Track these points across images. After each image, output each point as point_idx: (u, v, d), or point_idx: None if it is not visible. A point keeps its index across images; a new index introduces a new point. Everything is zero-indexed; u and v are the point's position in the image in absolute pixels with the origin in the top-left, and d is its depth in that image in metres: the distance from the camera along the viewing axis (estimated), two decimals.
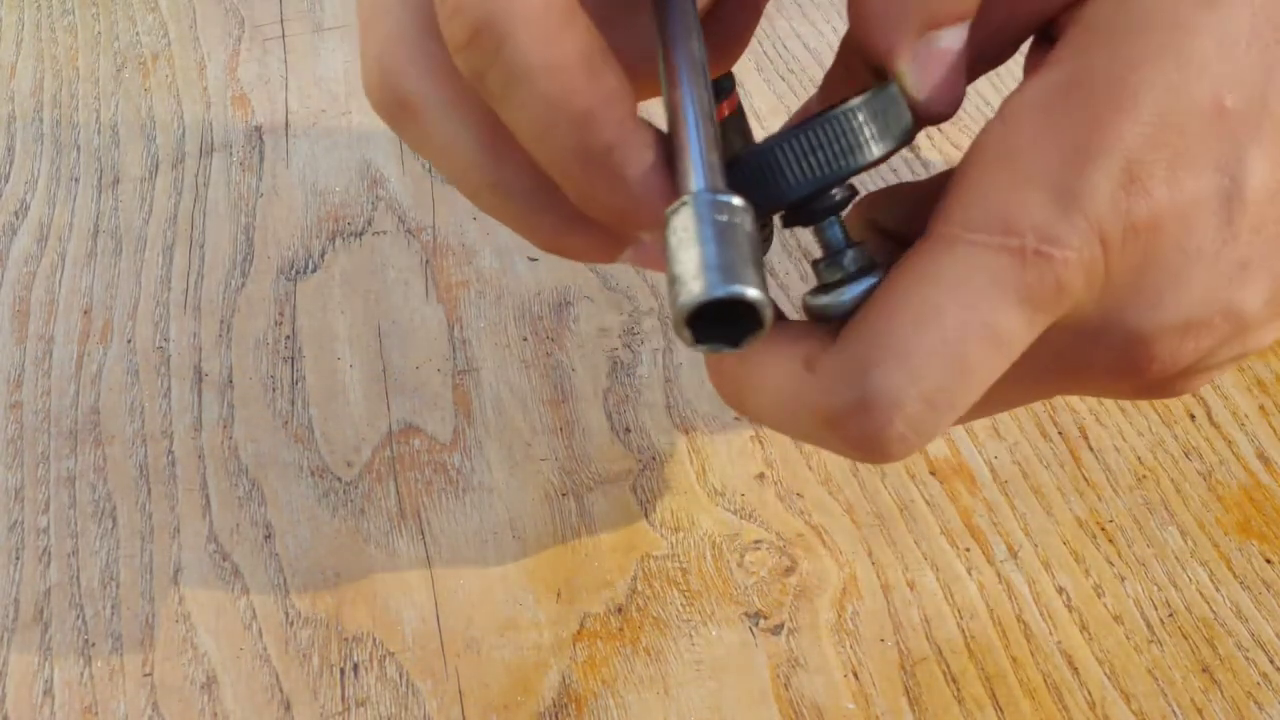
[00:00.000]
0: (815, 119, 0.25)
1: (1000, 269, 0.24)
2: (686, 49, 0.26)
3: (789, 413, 0.26)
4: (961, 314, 0.24)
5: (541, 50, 0.24)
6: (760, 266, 0.23)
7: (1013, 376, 0.26)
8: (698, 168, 0.24)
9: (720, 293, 0.22)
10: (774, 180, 0.25)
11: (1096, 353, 0.26)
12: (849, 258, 0.27)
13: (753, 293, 0.22)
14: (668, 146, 0.25)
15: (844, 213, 0.28)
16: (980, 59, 0.28)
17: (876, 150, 0.26)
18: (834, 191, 0.27)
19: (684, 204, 0.23)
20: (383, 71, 0.26)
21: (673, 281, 0.23)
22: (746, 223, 0.23)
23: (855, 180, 0.28)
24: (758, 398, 0.27)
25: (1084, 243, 0.24)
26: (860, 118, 0.25)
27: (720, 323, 0.23)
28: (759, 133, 0.59)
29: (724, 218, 0.23)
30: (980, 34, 0.27)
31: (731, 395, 0.28)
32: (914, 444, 0.25)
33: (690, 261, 0.22)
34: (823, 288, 0.27)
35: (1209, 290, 0.25)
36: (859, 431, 0.25)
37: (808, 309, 0.28)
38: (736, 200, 0.23)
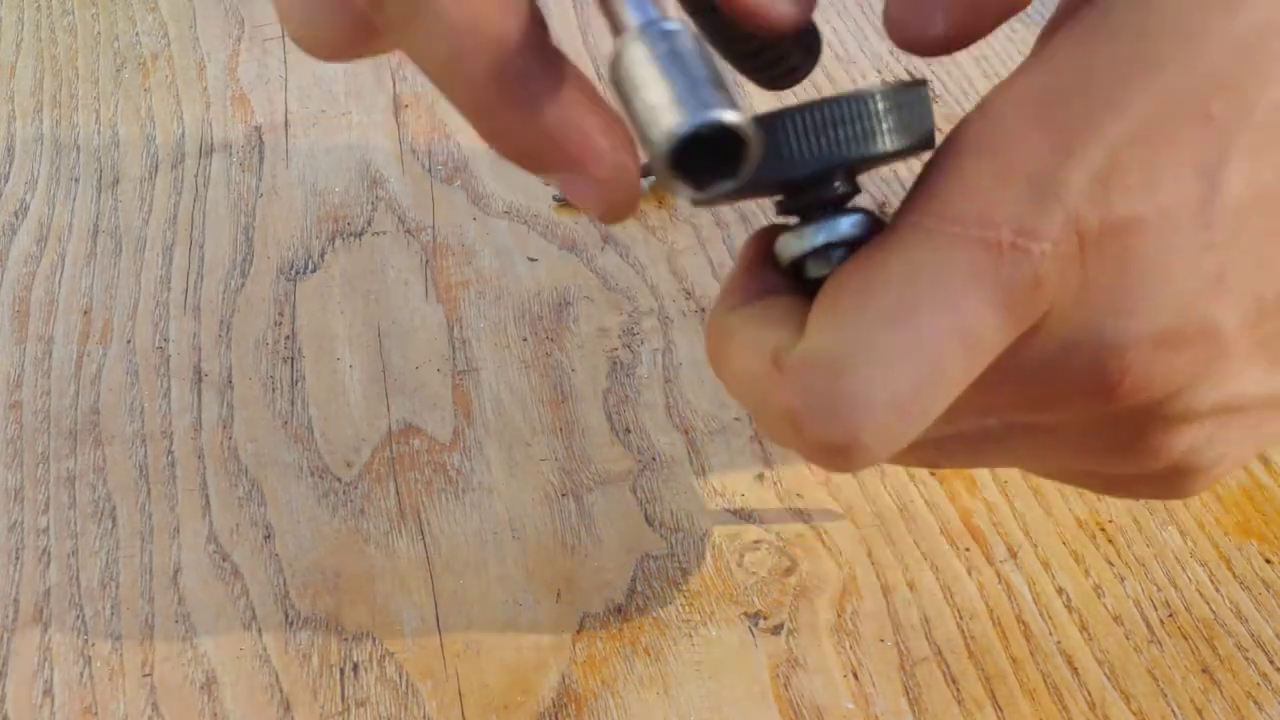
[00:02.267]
0: (833, 97, 0.24)
1: (976, 263, 0.23)
2: None
3: (758, 408, 0.25)
4: (936, 312, 0.23)
5: None
6: (727, 86, 0.21)
7: (974, 404, 0.25)
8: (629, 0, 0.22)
9: (697, 121, 0.20)
10: (778, 151, 0.24)
11: (1067, 367, 0.25)
12: (838, 255, 0.26)
13: (730, 115, 0.20)
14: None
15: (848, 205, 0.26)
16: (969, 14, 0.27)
17: (890, 143, 0.24)
18: (837, 182, 0.26)
19: (625, 47, 0.22)
20: None
21: (643, 129, 0.21)
22: (697, 46, 0.22)
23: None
24: (732, 385, 0.26)
25: (1061, 236, 0.24)
26: (880, 105, 0.24)
27: (704, 164, 0.21)
28: None
29: (667, 45, 0.21)
30: None
31: (716, 370, 0.27)
32: (879, 455, 0.24)
33: (655, 101, 0.21)
34: (797, 228, 0.26)
35: (1184, 299, 0.24)
36: (824, 437, 0.24)
37: (780, 251, 0.26)
38: (676, 24, 0.22)
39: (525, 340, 0.49)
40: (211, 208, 0.56)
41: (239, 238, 0.54)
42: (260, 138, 0.59)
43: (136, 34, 0.66)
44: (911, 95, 0.25)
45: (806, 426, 0.24)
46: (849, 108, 0.24)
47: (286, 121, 0.60)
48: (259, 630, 0.40)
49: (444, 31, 0.22)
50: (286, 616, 0.40)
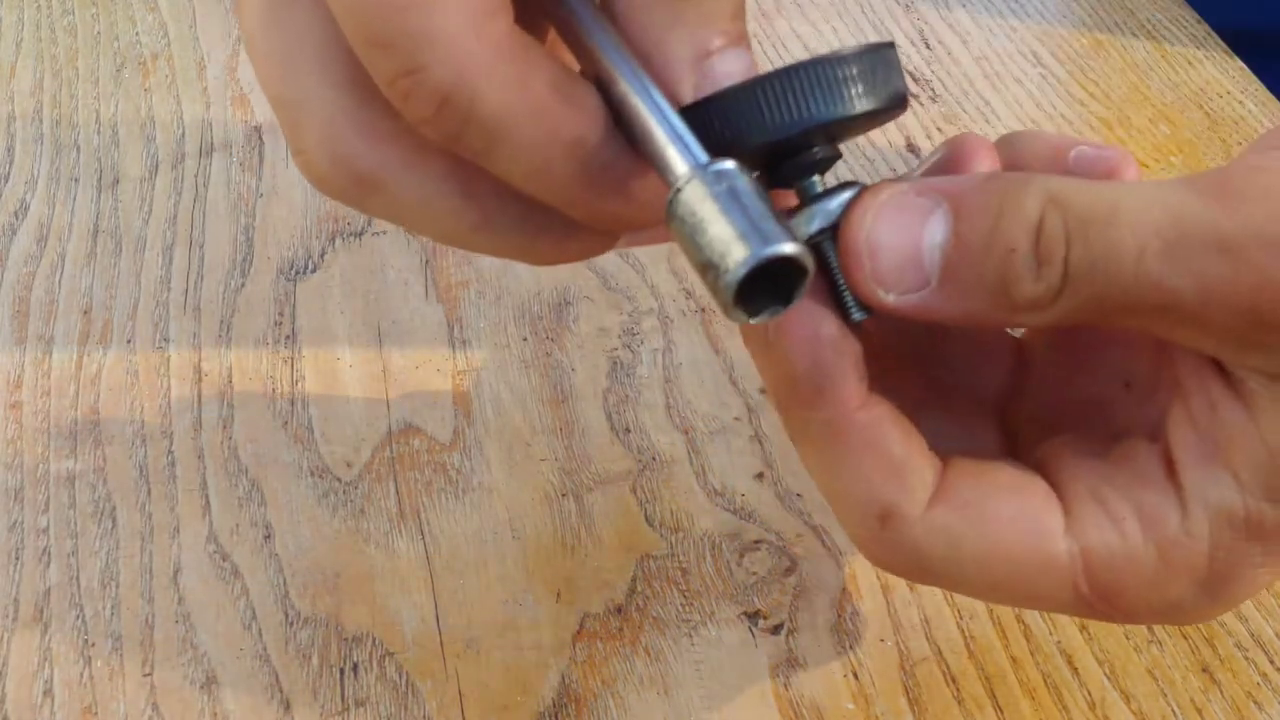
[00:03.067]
0: (805, 62, 0.25)
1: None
2: (597, 24, 0.26)
3: (842, 509, 0.27)
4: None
5: (514, 99, 0.23)
6: (778, 215, 0.23)
7: None
8: (677, 146, 0.24)
9: (762, 255, 0.22)
10: (752, 119, 0.25)
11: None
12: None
13: (788, 248, 0.22)
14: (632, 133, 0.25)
15: (826, 173, 0.27)
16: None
17: (861, 105, 0.25)
18: (815, 148, 0.26)
19: (681, 189, 0.23)
20: (333, 158, 0.26)
21: (705, 267, 0.23)
22: (747, 181, 0.23)
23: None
24: (832, 489, 0.27)
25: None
26: (852, 69, 0.25)
27: (763, 290, 0.23)
28: None
29: (724, 185, 0.23)
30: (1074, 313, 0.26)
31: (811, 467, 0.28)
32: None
33: (718, 237, 0.22)
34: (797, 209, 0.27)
35: None
36: (882, 563, 0.27)
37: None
38: (729, 164, 0.23)
39: (525, 340, 0.49)
40: (211, 208, 0.56)
41: (239, 238, 0.54)
42: (260, 138, 0.59)
43: (136, 34, 0.66)
44: (880, 57, 0.26)
45: (874, 555, 0.27)
46: (820, 72, 0.25)
47: None
48: (259, 630, 0.40)
49: (525, 150, 0.24)
50: (286, 616, 0.40)
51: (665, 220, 0.24)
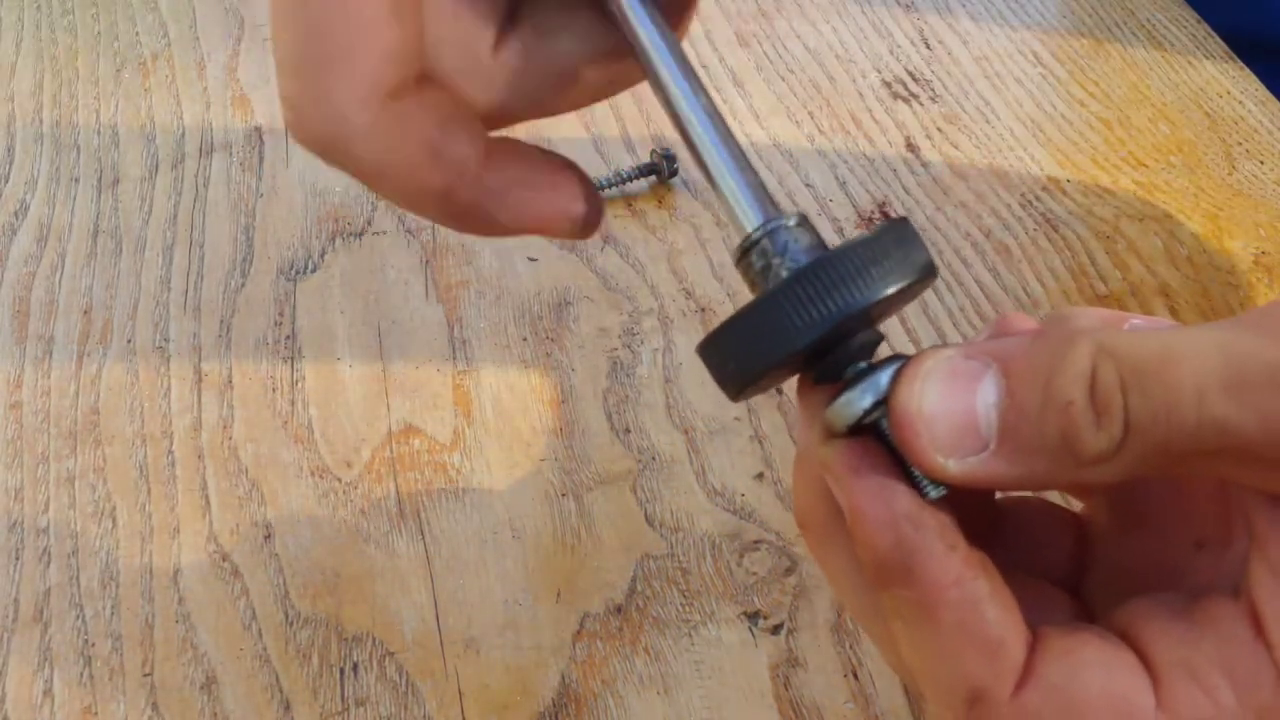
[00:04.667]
0: (824, 258, 0.25)
1: None
2: (687, 80, 0.26)
3: (928, 685, 0.26)
4: None
5: (385, 156, 0.26)
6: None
7: None
8: (753, 203, 0.26)
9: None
10: (786, 326, 0.25)
11: None
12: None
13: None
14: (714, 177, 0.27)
15: (874, 357, 0.26)
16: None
17: (892, 284, 0.25)
18: (858, 336, 0.26)
19: (755, 242, 0.26)
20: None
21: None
22: (814, 237, 0.26)
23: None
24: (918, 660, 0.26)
25: None
26: (873, 252, 0.25)
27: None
28: (759, 132, 0.59)
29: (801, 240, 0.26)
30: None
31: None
32: None
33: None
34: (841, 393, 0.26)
35: None
36: None
37: (833, 421, 0.26)
38: (793, 220, 0.26)
39: (525, 340, 0.49)
40: (211, 208, 0.56)
41: (239, 238, 0.54)
42: (260, 138, 0.59)
43: (136, 34, 0.66)
44: (897, 232, 0.25)
45: None
46: (842, 265, 0.24)
47: None
48: (259, 630, 0.40)
49: (397, 194, 0.27)
50: (286, 616, 0.40)
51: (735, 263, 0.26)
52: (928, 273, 0.26)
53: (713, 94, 0.27)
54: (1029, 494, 0.31)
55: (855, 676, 0.38)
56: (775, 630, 0.40)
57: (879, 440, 0.26)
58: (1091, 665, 0.25)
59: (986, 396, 0.24)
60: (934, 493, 0.25)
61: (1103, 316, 0.28)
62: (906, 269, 0.25)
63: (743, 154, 0.27)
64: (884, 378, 0.25)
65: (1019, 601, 0.26)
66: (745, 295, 0.26)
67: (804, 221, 0.26)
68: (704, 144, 0.27)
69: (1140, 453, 0.24)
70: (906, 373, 0.25)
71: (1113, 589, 0.29)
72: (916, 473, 0.25)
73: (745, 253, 0.26)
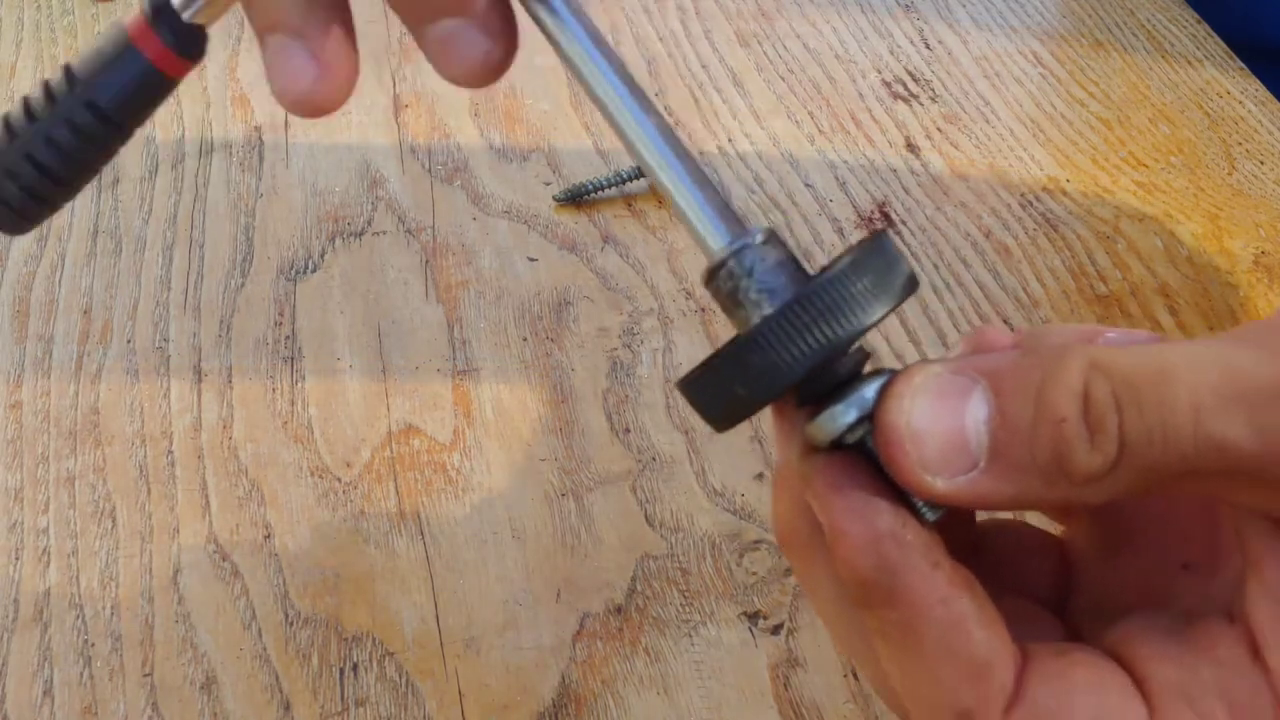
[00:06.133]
0: (806, 291, 0.24)
1: None
2: (631, 92, 0.25)
3: (915, 707, 0.26)
4: None
5: None
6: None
7: None
8: (716, 223, 0.26)
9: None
10: (772, 363, 0.24)
11: None
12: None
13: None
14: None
15: (864, 372, 0.26)
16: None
17: (877, 310, 0.24)
18: (845, 359, 0.25)
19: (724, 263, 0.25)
20: None
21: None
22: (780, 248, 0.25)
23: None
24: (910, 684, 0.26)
25: None
26: (854, 282, 0.24)
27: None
28: (759, 132, 0.59)
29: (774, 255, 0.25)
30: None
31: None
32: None
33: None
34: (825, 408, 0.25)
35: None
36: None
37: (815, 435, 0.26)
38: (759, 237, 0.25)
39: (525, 340, 0.49)
40: (211, 208, 0.56)
41: (239, 238, 0.54)
42: (260, 138, 0.59)
43: None
44: (878, 251, 0.25)
45: None
46: (827, 296, 0.24)
47: (286, 121, 0.60)
48: (259, 630, 0.40)
49: None
50: (286, 616, 0.40)
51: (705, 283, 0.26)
52: (911, 289, 0.25)
53: (660, 110, 0.26)
54: (1009, 516, 0.30)
55: (855, 676, 0.38)
56: (775, 630, 0.40)
57: (862, 457, 0.25)
58: (1084, 688, 0.25)
59: (976, 413, 0.24)
60: (931, 515, 0.25)
61: (1079, 332, 0.28)
62: (891, 291, 0.24)
63: (700, 172, 0.26)
64: (869, 392, 0.24)
65: (1005, 621, 0.25)
66: None
67: (771, 237, 0.25)
68: (659, 166, 0.26)
69: (1134, 472, 0.23)
70: (893, 388, 0.24)
71: (1099, 611, 0.28)
72: (907, 500, 0.25)
73: (713, 275, 0.25)
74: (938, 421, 0.24)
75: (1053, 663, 0.25)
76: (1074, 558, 0.29)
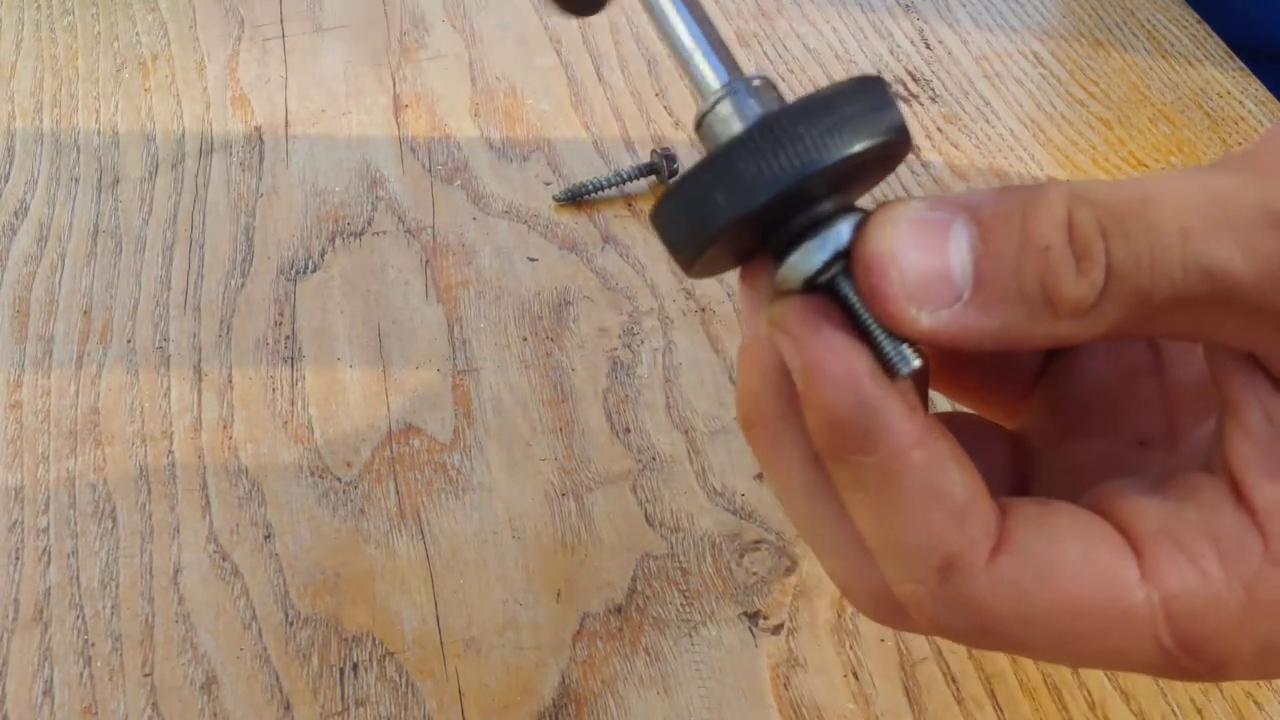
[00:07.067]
0: (786, 107, 0.23)
1: None
2: None
3: (894, 563, 0.25)
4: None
5: None
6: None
7: None
8: (715, 63, 0.24)
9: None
10: (745, 181, 0.23)
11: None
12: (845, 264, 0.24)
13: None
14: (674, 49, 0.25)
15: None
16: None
17: (858, 141, 0.23)
18: (825, 203, 0.24)
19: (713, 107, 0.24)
20: None
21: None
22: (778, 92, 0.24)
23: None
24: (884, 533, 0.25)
25: None
26: (840, 105, 0.23)
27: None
28: None
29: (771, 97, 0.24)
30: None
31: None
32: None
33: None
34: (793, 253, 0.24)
35: None
36: (938, 624, 0.24)
37: (787, 278, 0.24)
38: (756, 80, 0.24)
39: (525, 340, 0.49)
40: (211, 208, 0.56)
41: (239, 238, 0.54)
42: (260, 138, 0.59)
43: (136, 34, 0.66)
44: (869, 88, 0.23)
45: (921, 621, 0.24)
46: (806, 114, 0.23)
47: (286, 121, 0.60)
48: (259, 630, 0.40)
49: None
50: (286, 616, 0.40)
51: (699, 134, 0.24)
52: (900, 135, 0.24)
53: None
54: (961, 411, 0.30)
55: (855, 677, 0.38)
56: (775, 630, 0.40)
57: (835, 298, 0.24)
58: (1069, 534, 0.24)
59: (959, 243, 0.23)
60: (905, 369, 0.23)
61: None
62: (877, 127, 0.23)
63: (703, 12, 0.25)
64: (844, 230, 0.23)
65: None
66: None
67: (769, 84, 0.24)
68: (659, 1, 0.25)
69: (1122, 303, 0.22)
70: (874, 219, 0.23)
71: (1062, 493, 0.27)
72: (883, 348, 0.23)
73: (706, 114, 0.24)
74: (920, 250, 0.23)
75: (1035, 510, 0.24)
76: (1029, 447, 0.28)
